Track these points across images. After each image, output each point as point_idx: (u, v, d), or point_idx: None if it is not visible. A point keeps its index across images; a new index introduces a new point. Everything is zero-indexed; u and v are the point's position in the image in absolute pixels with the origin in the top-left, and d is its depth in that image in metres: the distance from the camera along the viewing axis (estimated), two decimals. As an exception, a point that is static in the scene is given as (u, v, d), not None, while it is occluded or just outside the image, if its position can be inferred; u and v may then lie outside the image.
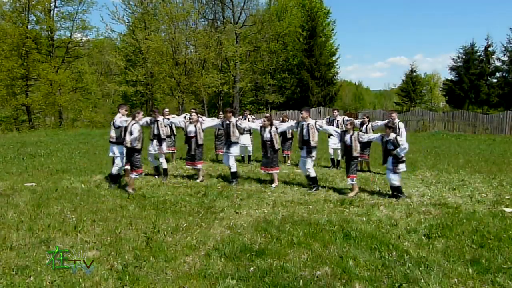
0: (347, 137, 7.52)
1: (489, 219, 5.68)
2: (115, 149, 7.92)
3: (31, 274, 3.83)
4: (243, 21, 33.51)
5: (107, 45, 36.39)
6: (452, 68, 34.25)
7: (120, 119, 7.88)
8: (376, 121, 10.43)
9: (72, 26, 29.35)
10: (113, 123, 7.89)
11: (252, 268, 4.01)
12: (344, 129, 10.45)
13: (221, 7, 33.28)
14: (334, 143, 10.40)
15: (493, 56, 32.72)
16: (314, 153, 7.82)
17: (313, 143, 7.73)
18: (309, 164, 7.77)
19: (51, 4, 27.86)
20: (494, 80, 32.78)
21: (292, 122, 9.25)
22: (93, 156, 12.44)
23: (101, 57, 39.11)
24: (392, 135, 7.18)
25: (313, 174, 7.78)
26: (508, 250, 4.50)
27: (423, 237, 4.96)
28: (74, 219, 5.58)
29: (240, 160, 11.34)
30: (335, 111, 10.81)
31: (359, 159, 9.97)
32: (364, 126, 9.85)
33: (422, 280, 3.74)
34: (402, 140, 7.25)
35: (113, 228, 5.20)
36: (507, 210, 6.22)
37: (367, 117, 10.12)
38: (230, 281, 3.73)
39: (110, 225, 5.33)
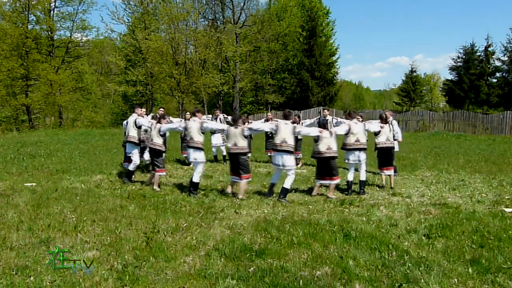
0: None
1: (489, 219, 5.68)
2: (133, 148, 8.28)
3: (31, 274, 3.83)
4: (243, 21, 33.50)
5: (107, 45, 36.42)
6: (452, 68, 34.24)
7: (144, 119, 8.30)
8: (370, 120, 10.45)
9: (72, 26, 29.40)
10: (135, 123, 8.19)
11: (252, 268, 4.01)
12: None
13: (221, 7, 33.28)
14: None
15: (493, 56, 32.71)
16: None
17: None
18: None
19: (51, 4, 27.87)
20: (494, 80, 32.76)
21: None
22: (93, 156, 12.44)
23: (101, 57, 39.15)
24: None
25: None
26: (508, 250, 4.50)
27: (423, 237, 4.96)
28: (74, 219, 5.58)
29: (213, 160, 11.51)
30: (325, 110, 11.04)
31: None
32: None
33: (422, 280, 3.74)
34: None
35: (113, 228, 5.19)
36: (507, 210, 6.22)
37: (360, 117, 10.15)
38: (230, 281, 3.73)
39: (110, 225, 5.32)
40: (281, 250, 4.48)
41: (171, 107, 32.57)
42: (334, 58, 36.41)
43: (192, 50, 28.03)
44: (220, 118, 11.13)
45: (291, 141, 6.83)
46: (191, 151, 7.35)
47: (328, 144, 7.01)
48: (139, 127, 8.24)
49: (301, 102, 32.82)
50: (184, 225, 5.36)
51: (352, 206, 6.51)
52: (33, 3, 26.32)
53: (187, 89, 27.62)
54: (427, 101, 45.13)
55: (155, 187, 7.66)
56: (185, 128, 7.51)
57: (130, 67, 29.91)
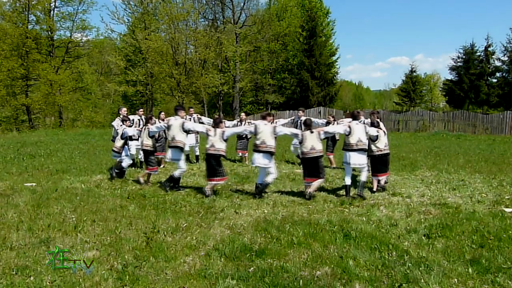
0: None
1: (489, 219, 5.68)
2: (180, 154, 7.64)
3: (31, 274, 3.83)
4: (243, 21, 33.49)
5: (107, 45, 36.44)
6: (452, 68, 34.25)
7: (194, 123, 7.99)
8: (342, 119, 10.45)
9: (72, 26, 29.47)
10: (182, 127, 7.54)
11: (252, 268, 4.01)
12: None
13: (221, 7, 33.26)
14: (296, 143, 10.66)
15: (493, 56, 32.72)
16: None
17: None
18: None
19: (51, 4, 27.91)
20: (494, 80, 32.77)
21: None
22: (93, 156, 12.44)
23: (101, 57, 39.17)
24: None
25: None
26: (508, 250, 4.50)
27: (423, 237, 4.96)
28: (74, 219, 5.58)
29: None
30: (300, 112, 10.96)
31: None
32: (330, 125, 9.89)
33: (422, 280, 3.74)
34: None
35: (113, 228, 5.19)
36: (507, 210, 6.22)
37: (333, 117, 10.22)
38: (230, 281, 3.73)
39: (110, 225, 5.33)
40: (281, 250, 4.48)
41: (171, 107, 32.56)
42: (334, 58, 36.42)
43: (192, 50, 28.05)
44: (194, 118, 10.90)
45: (365, 140, 7.13)
46: (260, 155, 6.98)
47: (384, 142, 7.55)
48: (187, 132, 7.65)
49: (301, 102, 32.81)
50: (184, 225, 5.36)
51: (352, 206, 6.51)
52: (33, 3, 26.35)
53: (187, 89, 27.63)
54: (427, 101, 45.16)
55: (209, 192, 7.10)
56: (255, 132, 7.16)
57: (130, 67, 29.93)
